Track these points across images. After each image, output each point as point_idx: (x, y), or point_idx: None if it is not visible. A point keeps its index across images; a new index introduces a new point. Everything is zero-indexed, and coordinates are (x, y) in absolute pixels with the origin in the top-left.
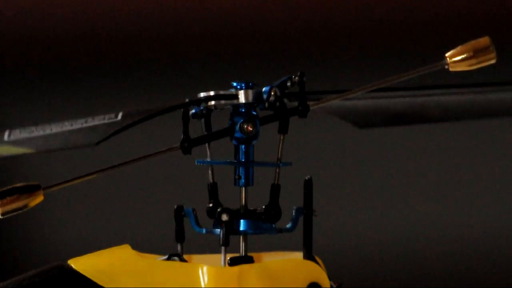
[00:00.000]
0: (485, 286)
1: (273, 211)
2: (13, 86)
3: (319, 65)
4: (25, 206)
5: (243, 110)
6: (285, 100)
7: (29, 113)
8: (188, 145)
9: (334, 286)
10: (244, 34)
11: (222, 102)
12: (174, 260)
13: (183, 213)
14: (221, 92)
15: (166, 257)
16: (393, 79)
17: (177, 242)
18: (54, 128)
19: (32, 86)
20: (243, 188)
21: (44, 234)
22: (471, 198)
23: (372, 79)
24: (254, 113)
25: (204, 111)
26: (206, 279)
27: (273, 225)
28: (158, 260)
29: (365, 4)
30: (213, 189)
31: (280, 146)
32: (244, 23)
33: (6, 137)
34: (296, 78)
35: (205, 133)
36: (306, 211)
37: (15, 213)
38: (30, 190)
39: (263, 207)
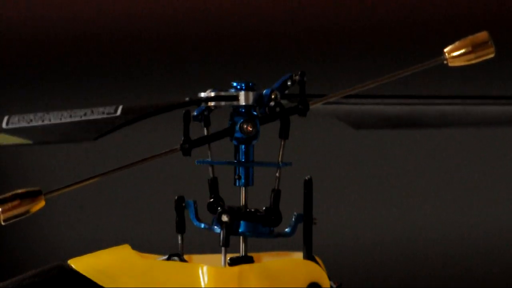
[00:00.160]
0: (485, 286)
1: (273, 216)
2: (13, 86)
3: (319, 65)
4: (27, 212)
5: (243, 110)
6: (286, 101)
7: (29, 113)
8: (188, 146)
9: (334, 286)
10: (244, 34)
11: (223, 103)
12: (174, 260)
13: (183, 204)
14: (222, 93)
15: (166, 257)
16: (394, 75)
17: (177, 233)
18: (53, 119)
19: (32, 86)
20: (243, 188)
21: (44, 234)
22: (471, 198)
23: (372, 79)
24: (254, 113)
25: (205, 113)
26: (206, 279)
27: (272, 229)
28: (158, 260)
29: (365, 4)
30: (213, 184)
31: (281, 151)
32: (244, 23)
33: (4, 124)
34: (297, 77)
35: (206, 133)
36: (306, 212)
37: (16, 219)
38: (32, 196)
39: (264, 208)
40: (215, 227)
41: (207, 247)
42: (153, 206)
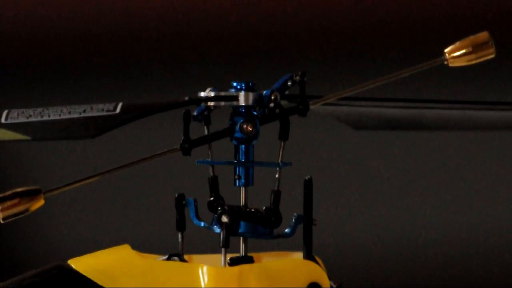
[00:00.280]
0: (485, 286)
1: (273, 217)
2: (13, 86)
3: (319, 65)
4: (26, 210)
5: (243, 110)
6: (286, 102)
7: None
8: (188, 146)
9: (334, 286)
10: (244, 34)
11: (222, 103)
12: (174, 260)
13: (184, 202)
14: (222, 93)
15: (166, 257)
16: (394, 76)
17: (177, 231)
18: (52, 115)
19: (32, 86)
20: (243, 188)
21: (44, 234)
22: (471, 199)
23: (372, 79)
24: (254, 113)
25: (205, 112)
26: (206, 279)
27: (272, 230)
28: (158, 260)
29: (365, 4)
30: (213, 183)
31: (281, 152)
32: (244, 23)
33: (3, 119)
34: (297, 77)
35: (206, 133)
36: (306, 212)
37: (16, 218)
38: (31, 194)
39: (264, 208)
40: (215, 226)
41: (207, 246)
42: (153, 206)
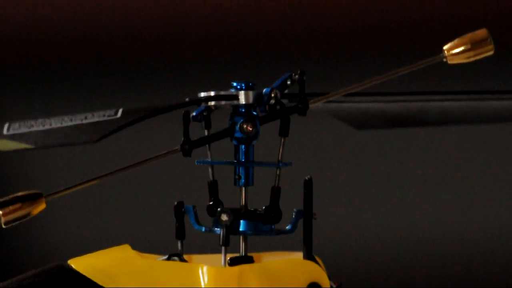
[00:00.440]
0: (485, 286)
1: (273, 213)
2: (13, 86)
3: (319, 65)
4: (28, 214)
5: (243, 110)
6: (286, 101)
7: (29, 113)
8: (188, 147)
9: (334, 286)
10: (244, 34)
11: (223, 103)
12: (174, 260)
13: (183, 210)
14: (222, 93)
15: (166, 257)
16: (393, 73)
17: (177, 239)
18: (54, 123)
19: (32, 86)
20: (243, 188)
21: (44, 234)
22: (471, 199)
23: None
24: (254, 113)
25: (205, 113)
26: (206, 279)
27: (273, 227)
28: (158, 260)
29: (365, 4)
30: (213, 187)
31: (281, 149)
32: (244, 23)
33: (5, 130)
34: (296, 76)
35: (206, 133)
36: (306, 211)
37: (17, 222)
38: (32, 199)
39: (264, 207)
40: (216, 229)
41: (207, 249)
42: (153, 207)
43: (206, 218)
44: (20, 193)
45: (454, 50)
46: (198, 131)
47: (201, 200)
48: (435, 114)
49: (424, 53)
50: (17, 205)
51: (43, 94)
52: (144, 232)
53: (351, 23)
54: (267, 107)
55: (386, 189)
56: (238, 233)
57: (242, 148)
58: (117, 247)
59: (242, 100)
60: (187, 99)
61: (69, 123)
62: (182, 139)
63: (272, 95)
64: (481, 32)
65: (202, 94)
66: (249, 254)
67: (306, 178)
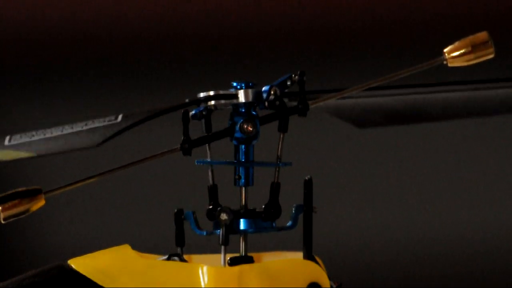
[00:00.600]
0: (485, 286)
1: (273, 210)
2: (13, 86)
3: (319, 65)
4: (27, 210)
5: (243, 110)
6: (285, 100)
7: (29, 114)
8: (188, 146)
9: (334, 286)
10: (244, 34)
11: (222, 102)
12: (174, 260)
13: (183, 217)
14: (221, 92)
15: (166, 257)
16: (393, 76)
17: (177, 247)
18: (55, 132)
19: (32, 87)
20: (243, 188)
21: (44, 234)
22: (471, 199)
23: (372, 79)
24: (254, 113)
25: (204, 112)
26: (206, 279)
27: (273, 223)
28: (158, 260)
29: (365, 4)
30: (213, 191)
31: (280, 145)
32: (244, 23)
33: (6, 142)
34: (296, 77)
35: (205, 133)
36: (306, 211)
37: (16, 218)
38: (32, 195)
39: (263, 206)
40: (217, 231)
41: (207, 249)
42: (153, 207)
43: (206, 223)
44: (19, 189)
45: (454, 53)
46: (198, 131)
47: (201, 200)
48: (437, 107)
49: (425, 53)
50: (16, 201)
51: (43, 94)
52: (144, 232)
53: (351, 23)
54: (266, 104)
55: (386, 189)
56: (238, 232)
57: (242, 148)
58: (117, 247)
59: (241, 98)
60: (187, 100)
61: (70, 131)
62: (182, 138)
63: (272, 91)
64: (482, 35)
65: (202, 94)
66: (249, 254)
67: (306, 178)
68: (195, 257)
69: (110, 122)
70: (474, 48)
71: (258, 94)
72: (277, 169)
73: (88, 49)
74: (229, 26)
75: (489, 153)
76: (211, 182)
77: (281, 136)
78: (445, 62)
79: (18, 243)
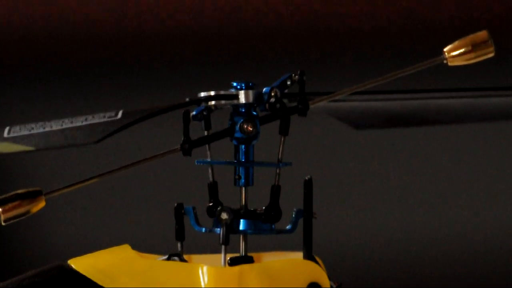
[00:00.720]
0: (485, 286)
1: (273, 212)
2: (13, 86)
3: (319, 65)
4: (27, 212)
5: (243, 110)
6: (285, 101)
7: (29, 113)
8: (188, 146)
9: (334, 286)
10: (244, 34)
11: (223, 102)
12: (174, 260)
13: (183, 211)
14: (222, 92)
15: (166, 257)
16: (393, 75)
17: (177, 241)
18: (54, 126)
19: (32, 86)
20: (243, 188)
21: (44, 234)
22: (471, 199)
23: (371, 79)
24: (254, 113)
25: (205, 112)
26: (206, 279)
27: (273, 226)
28: (158, 260)
29: (365, 4)
30: (213, 188)
31: (281, 148)
32: (244, 23)
33: (6, 133)
34: (296, 76)
35: (206, 133)
36: (306, 211)
37: (17, 220)
38: (32, 196)
39: (263, 208)
40: (216, 229)
41: (207, 249)
42: (153, 206)
43: (206, 220)
44: (19, 191)
45: (454, 52)
46: (198, 131)
47: (201, 201)
48: (434, 112)
49: (425, 54)
50: (16, 203)
51: (43, 94)
52: (144, 232)
53: (351, 24)
54: (267, 106)
55: (386, 189)
56: (238, 232)
57: (242, 148)
58: (117, 247)
59: (242, 99)
60: (187, 99)
61: (69, 125)
62: (182, 138)
63: (272, 94)
64: (482, 34)
65: (202, 94)
66: (249, 254)
67: (306, 178)
68: (195, 257)
69: (110, 119)
70: (474, 47)
71: (258, 96)
72: (277, 172)
73: (88, 49)
74: (229, 26)
75: (489, 153)
76: (211, 179)
77: (282, 139)
78: (445, 61)
79: (18, 243)
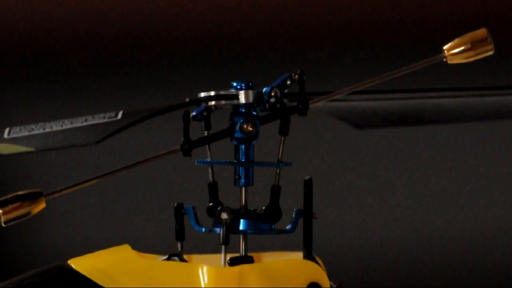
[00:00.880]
0: (485, 286)
1: (273, 212)
2: (13, 86)
3: (319, 65)
4: (28, 213)
5: (243, 110)
6: (285, 100)
7: (29, 113)
8: (188, 147)
9: (334, 286)
10: (244, 34)
11: (223, 102)
12: (174, 260)
13: (183, 211)
14: (222, 92)
15: (166, 257)
16: (393, 73)
17: (177, 241)
18: (54, 126)
19: (32, 86)
20: (243, 188)
21: (44, 234)
22: (472, 198)
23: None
24: (254, 113)
25: (205, 113)
26: (206, 279)
27: (273, 226)
28: (158, 260)
29: (365, 3)
30: (213, 188)
31: (281, 148)
32: (244, 23)
33: (6, 134)
34: (296, 76)
35: (206, 134)
36: (306, 211)
37: (17, 221)
38: (32, 198)
39: (263, 208)
40: (216, 229)
41: (207, 249)
42: (153, 207)
43: (206, 220)
44: (20, 192)
45: (454, 50)
46: (198, 131)
47: (201, 201)
48: (433, 112)
49: (424, 53)
50: (17, 204)
51: (43, 94)
52: (144, 232)
53: (351, 23)
54: (267, 106)
55: (386, 189)
56: (238, 232)
57: (242, 148)
58: (117, 247)
59: (242, 99)
60: (187, 99)
61: (69, 126)
62: (182, 139)
63: (272, 94)
64: (481, 32)
65: (202, 94)
66: (249, 254)
67: (306, 178)
68: (195, 257)
69: (110, 119)
70: (474, 45)
71: (258, 96)
72: (277, 172)
73: (88, 49)
74: (229, 26)
75: (489, 153)
76: (211, 179)
77: (282, 139)
78: (444, 60)
79: (18, 243)
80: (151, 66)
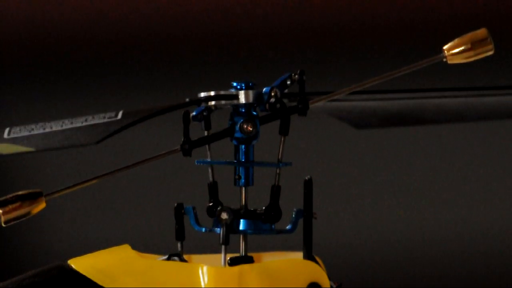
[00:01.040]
0: (485, 286)
1: (273, 212)
2: (13, 86)
3: (319, 65)
4: (28, 213)
5: (243, 110)
6: (286, 100)
7: (29, 113)
8: (188, 147)
9: (334, 286)
10: (244, 34)
11: (223, 102)
12: (174, 260)
13: (183, 211)
14: (222, 92)
15: (166, 257)
16: (393, 73)
17: (177, 241)
18: (54, 126)
19: (32, 86)
20: (243, 188)
21: (44, 234)
22: (471, 199)
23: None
24: (254, 113)
25: (205, 113)
26: (206, 279)
27: (273, 226)
28: (158, 260)
29: (365, 3)
30: (213, 188)
31: (281, 148)
32: (244, 23)
33: (6, 134)
34: (296, 76)
35: (206, 134)
36: (306, 211)
37: (17, 221)
38: (32, 198)
39: (263, 208)
40: (216, 229)
41: (207, 249)
42: (153, 207)
43: (206, 220)
44: (20, 192)
45: (454, 50)
46: (198, 131)
47: (201, 201)
48: (433, 112)
49: (424, 53)
50: (17, 204)
51: (43, 94)
52: (144, 232)
53: (351, 23)
54: (267, 106)
55: (386, 189)
56: (238, 232)
57: (242, 148)
58: (117, 247)
59: (242, 99)
60: (187, 99)
61: (69, 126)
62: (182, 139)
63: (272, 94)
64: (481, 32)
65: (202, 94)
66: (249, 254)
67: (306, 178)
68: (195, 257)
69: (110, 119)
70: (474, 45)
71: (258, 96)
72: (277, 172)
73: (88, 49)
74: (229, 26)
75: (489, 153)
76: (211, 179)
77: (282, 139)
78: (444, 60)
79: (18, 243)
80: (151, 66)
